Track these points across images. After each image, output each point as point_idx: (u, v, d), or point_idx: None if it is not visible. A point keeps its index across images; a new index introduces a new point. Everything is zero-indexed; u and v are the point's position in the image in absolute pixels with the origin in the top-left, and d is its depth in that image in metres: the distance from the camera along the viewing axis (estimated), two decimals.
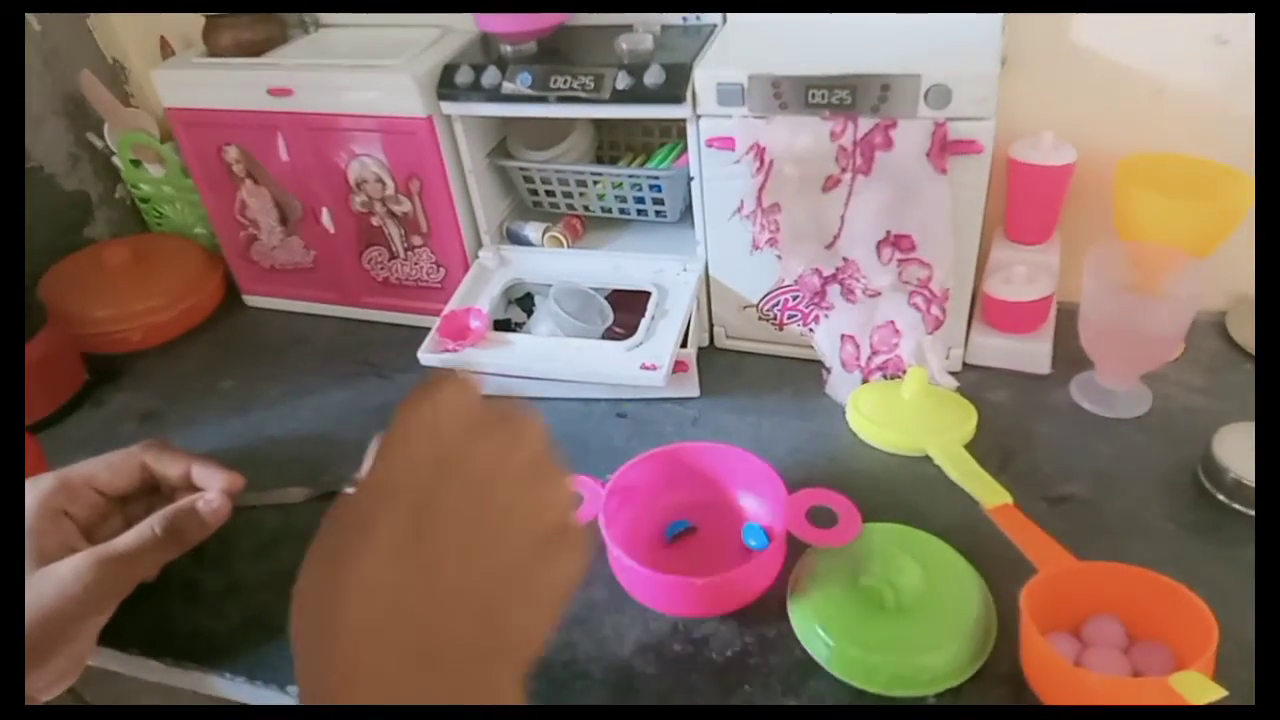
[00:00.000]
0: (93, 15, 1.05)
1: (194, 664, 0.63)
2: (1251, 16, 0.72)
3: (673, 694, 0.58)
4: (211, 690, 0.64)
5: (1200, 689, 0.47)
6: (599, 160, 0.93)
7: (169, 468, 0.61)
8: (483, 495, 0.36)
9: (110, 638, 0.65)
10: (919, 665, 0.55)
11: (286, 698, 0.61)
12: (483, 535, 0.36)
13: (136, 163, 1.04)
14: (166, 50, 1.02)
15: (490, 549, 0.36)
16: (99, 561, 0.52)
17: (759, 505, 0.67)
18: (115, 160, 1.06)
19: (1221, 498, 0.66)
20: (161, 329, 0.96)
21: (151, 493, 0.62)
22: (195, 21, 0.91)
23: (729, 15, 0.81)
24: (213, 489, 0.60)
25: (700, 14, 0.81)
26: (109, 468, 0.59)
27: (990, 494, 0.64)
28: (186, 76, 0.88)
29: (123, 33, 1.07)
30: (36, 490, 0.54)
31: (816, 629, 0.58)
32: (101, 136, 1.06)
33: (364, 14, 0.91)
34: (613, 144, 0.94)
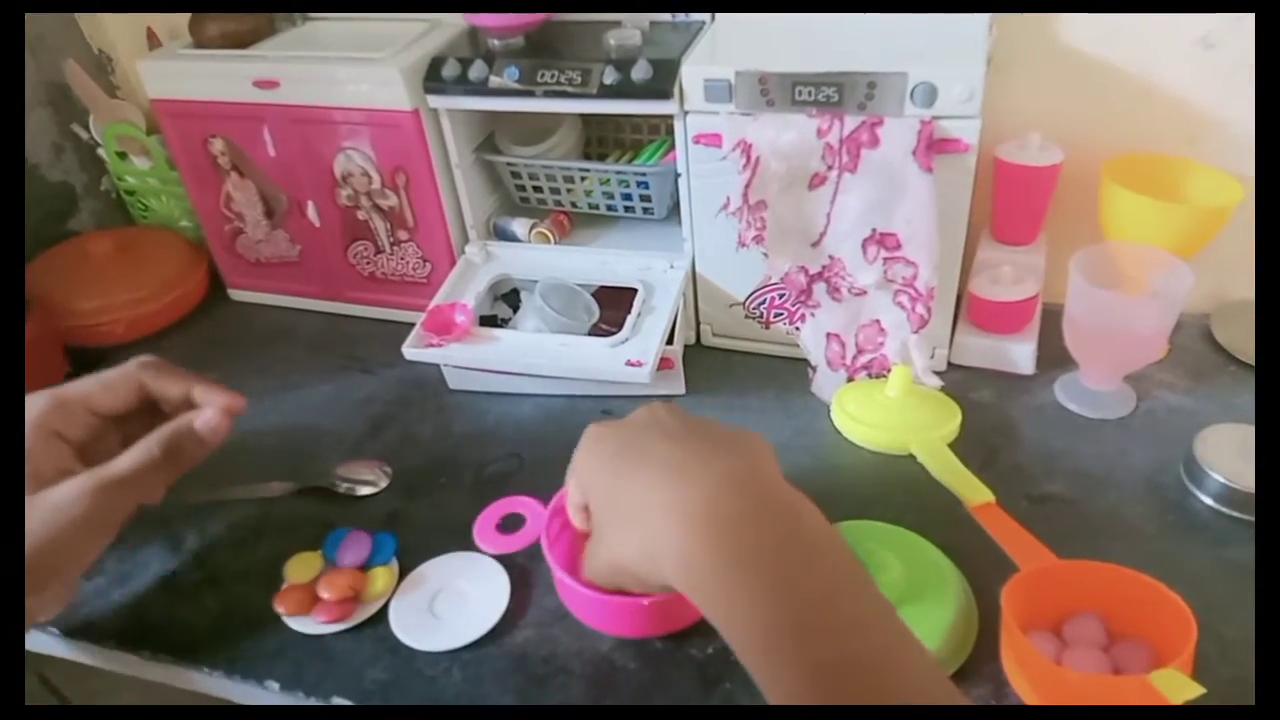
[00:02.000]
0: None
1: (171, 658, 0.63)
2: (1239, 19, 0.73)
3: (653, 690, 0.58)
4: (189, 684, 0.64)
5: (1179, 687, 0.47)
6: (586, 156, 0.93)
7: (168, 387, 0.57)
8: None
9: (86, 631, 0.65)
10: None
11: (264, 692, 0.60)
12: None
13: (122, 154, 1.04)
14: (153, 41, 1.01)
15: None
16: (98, 485, 0.49)
17: None
18: (100, 152, 1.05)
19: (1204, 499, 0.66)
20: (146, 322, 0.96)
21: (149, 412, 0.58)
22: (182, 13, 0.90)
23: (718, 13, 0.81)
24: (212, 406, 0.56)
25: (688, 12, 0.81)
26: (105, 387, 0.55)
27: (973, 492, 0.64)
28: (172, 68, 0.87)
29: (109, 23, 1.06)
30: (30, 411, 0.51)
31: None
32: (86, 128, 1.05)
33: (351, 11, 0.91)
34: (600, 140, 0.94)
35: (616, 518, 0.47)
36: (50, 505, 0.48)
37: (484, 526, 0.68)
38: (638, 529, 0.45)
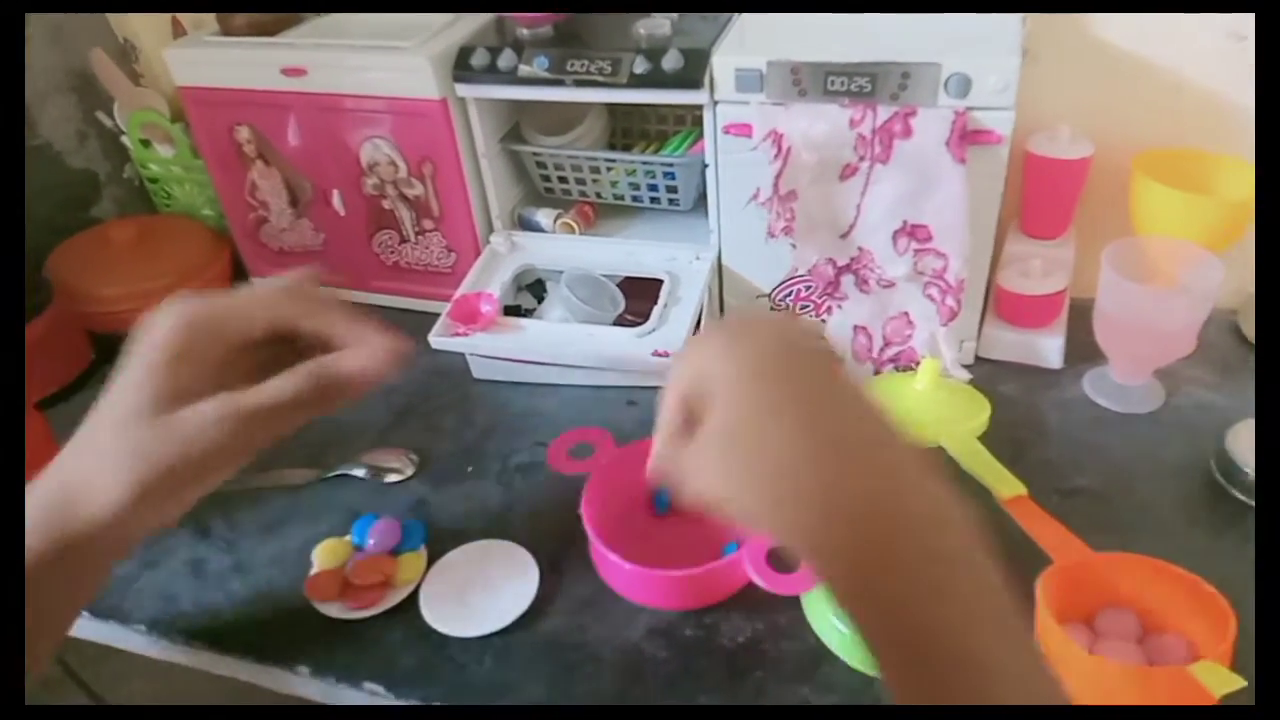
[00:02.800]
0: None
1: (201, 642, 0.63)
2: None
3: (682, 679, 0.58)
4: (218, 669, 0.64)
5: (1220, 679, 0.47)
6: (612, 147, 0.93)
7: (317, 324, 0.47)
8: None
9: (115, 614, 0.65)
10: None
11: (294, 676, 0.60)
12: None
13: (146, 142, 1.04)
14: (178, 29, 1.01)
15: None
16: (236, 413, 0.44)
17: None
18: (124, 139, 1.05)
19: (1236, 494, 0.66)
20: None
21: (281, 340, 0.49)
22: (177, 13, 0.90)
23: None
24: (372, 347, 0.47)
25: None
26: (243, 315, 0.46)
27: (1004, 485, 0.64)
28: (200, 55, 0.87)
29: (144, 11, 1.06)
30: (158, 328, 0.45)
31: (830, 616, 0.57)
32: (111, 115, 1.05)
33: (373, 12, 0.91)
34: (625, 131, 0.94)
35: (750, 454, 0.38)
36: (186, 426, 0.43)
37: (556, 452, 0.71)
38: (780, 484, 0.37)
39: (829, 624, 0.57)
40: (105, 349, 0.92)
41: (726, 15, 0.80)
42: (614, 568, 0.61)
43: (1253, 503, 0.65)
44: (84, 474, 0.43)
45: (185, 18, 1.01)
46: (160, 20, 1.02)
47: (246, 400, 0.44)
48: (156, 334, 0.44)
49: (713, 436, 0.38)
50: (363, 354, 0.47)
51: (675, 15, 0.80)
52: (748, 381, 0.38)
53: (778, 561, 0.59)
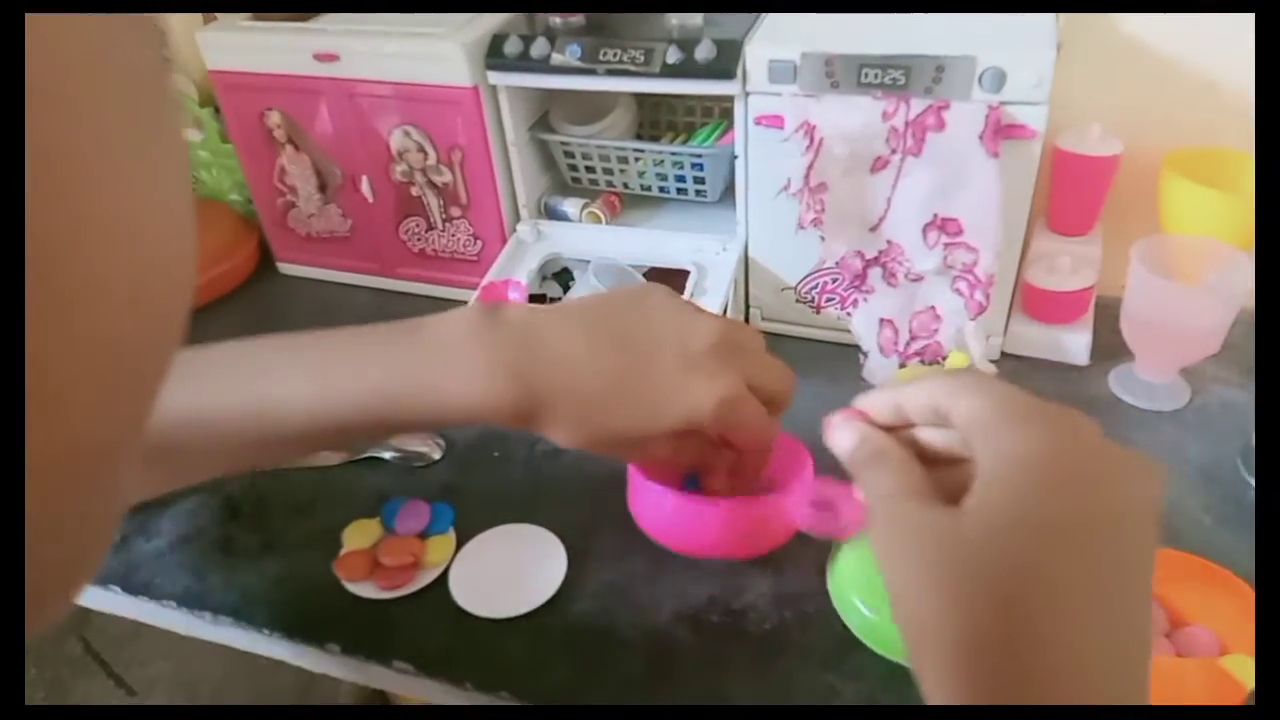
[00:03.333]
0: None
1: (231, 619, 0.63)
2: None
3: (710, 665, 0.58)
4: (248, 646, 0.65)
5: (1250, 671, 0.47)
6: (639, 137, 0.93)
7: (745, 438, 0.49)
8: None
9: (146, 589, 0.66)
10: None
11: (325, 655, 0.61)
12: None
13: None
14: (208, 15, 1.02)
15: None
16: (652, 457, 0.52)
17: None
18: None
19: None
20: (196, 294, 0.96)
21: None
22: (178, 12, 0.91)
23: None
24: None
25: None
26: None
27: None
28: (232, 39, 0.88)
29: (159, 12, 1.07)
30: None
31: (855, 601, 0.58)
32: None
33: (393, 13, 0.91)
34: (654, 123, 0.94)
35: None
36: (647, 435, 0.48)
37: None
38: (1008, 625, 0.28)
39: (857, 612, 0.58)
40: None
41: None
42: (658, 505, 0.59)
43: None
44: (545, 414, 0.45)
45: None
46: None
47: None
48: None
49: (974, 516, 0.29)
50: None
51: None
52: (1005, 428, 0.30)
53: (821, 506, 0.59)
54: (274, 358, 0.48)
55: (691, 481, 0.67)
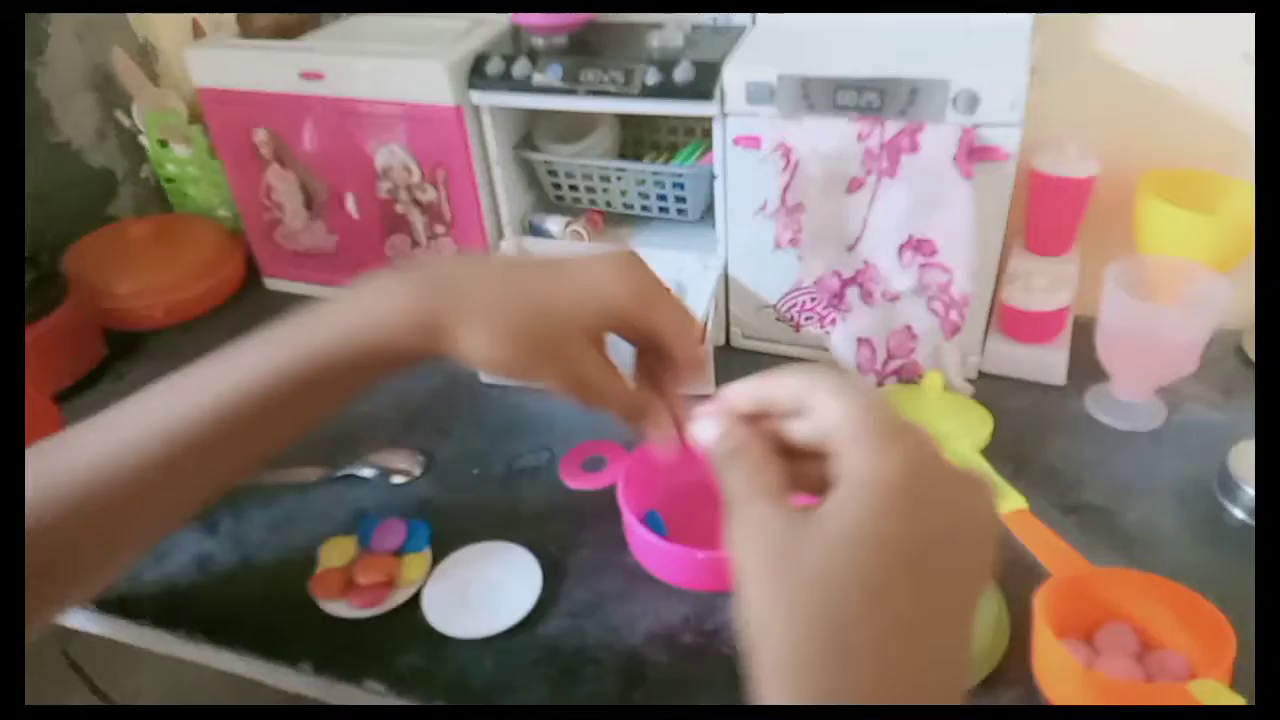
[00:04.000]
0: None
1: (205, 636, 0.64)
2: None
3: (682, 684, 0.58)
4: (222, 664, 0.65)
5: (1220, 698, 0.47)
6: (622, 156, 0.94)
7: (653, 326, 0.44)
8: None
9: (121, 607, 0.66)
10: None
11: (297, 674, 0.61)
12: None
13: (163, 142, 1.05)
14: (198, 30, 1.03)
15: None
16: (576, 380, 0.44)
17: None
18: (142, 139, 1.07)
19: (1237, 513, 0.66)
20: (182, 307, 0.97)
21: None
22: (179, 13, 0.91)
23: (758, 16, 0.81)
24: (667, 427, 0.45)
25: (730, 15, 0.82)
26: (578, 309, 0.43)
27: (1006, 499, 0.64)
28: (220, 56, 0.89)
29: (154, 13, 1.08)
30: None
31: None
32: (129, 114, 1.06)
33: (392, 12, 0.92)
34: (636, 141, 0.95)
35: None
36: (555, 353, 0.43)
37: (569, 465, 0.69)
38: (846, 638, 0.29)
39: None
40: (118, 345, 0.93)
41: (738, 29, 0.81)
42: (653, 548, 0.63)
43: (1253, 522, 0.65)
44: (450, 317, 0.42)
45: (205, 19, 1.02)
46: (180, 21, 1.04)
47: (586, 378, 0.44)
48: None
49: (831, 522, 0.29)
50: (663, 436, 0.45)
51: (688, 27, 0.81)
52: (906, 491, 0.29)
53: None
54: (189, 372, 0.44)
55: (654, 519, 0.67)
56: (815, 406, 0.32)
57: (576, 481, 0.70)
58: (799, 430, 0.33)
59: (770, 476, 0.32)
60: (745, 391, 0.35)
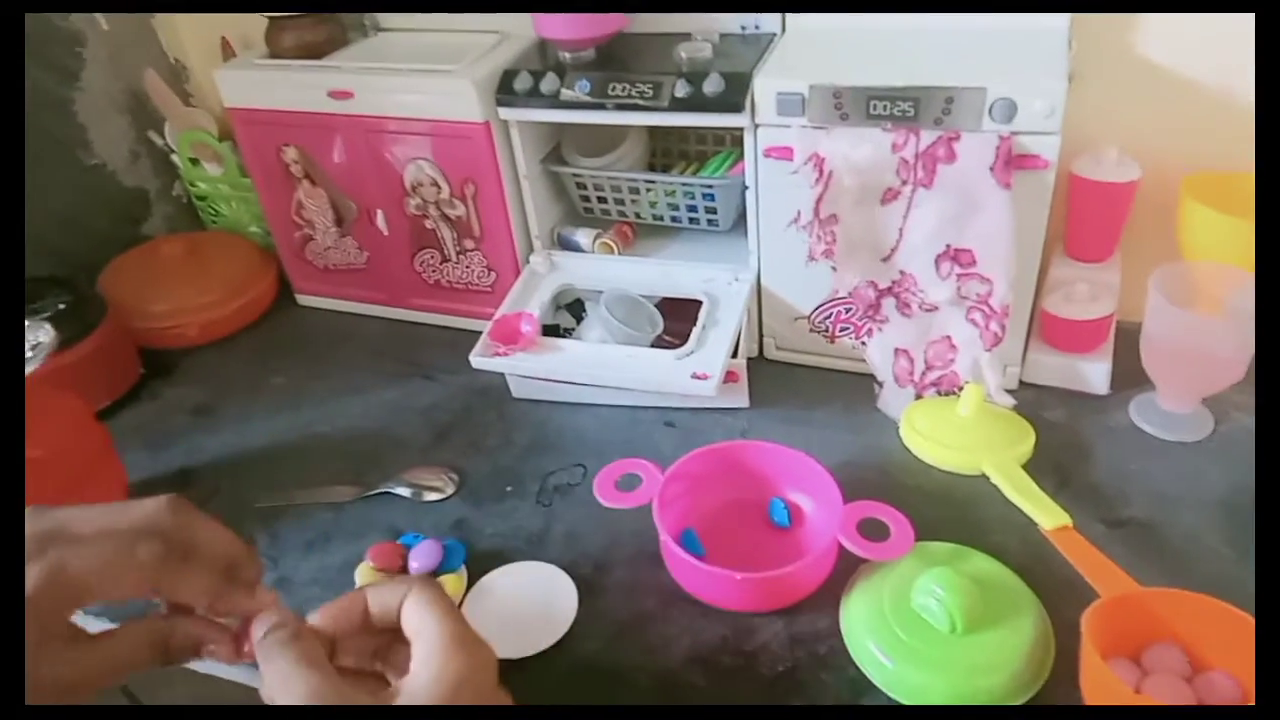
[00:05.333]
0: (157, 15, 1.07)
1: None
2: None
3: (721, 707, 0.57)
4: (258, 684, 0.65)
5: None
6: (651, 168, 0.93)
7: (186, 594, 0.44)
8: None
9: None
10: (976, 687, 0.54)
11: None
12: None
13: (195, 161, 1.06)
14: (227, 51, 1.04)
15: None
16: (72, 681, 0.42)
17: (813, 510, 0.68)
18: (174, 158, 1.08)
19: None
20: (216, 325, 0.98)
21: None
22: (256, 22, 0.92)
23: (788, 24, 0.80)
24: (225, 643, 0.45)
25: (759, 23, 0.81)
26: (113, 581, 0.43)
27: (1049, 515, 0.63)
28: (248, 77, 0.89)
29: (184, 33, 1.09)
30: (28, 583, 0.42)
31: (870, 647, 0.57)
32: (161, 134, 1.08)
33: (423, 16, 0.92)
34: (665, 152, 0.94)
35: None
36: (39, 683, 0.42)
37: (603, 483, 0.68)
38: None
39: (871, 656, 0.57)
40: (154, 364, 0.94)
41: (767, 38, 0.80)
42: (694, 570, 0.62)
43: None
44: None
45: (234, 39, 1.03)
46: (210, 42, 1.05)
47: (83, 668, 0.43)
48: (28, 590, 0.41)
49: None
50: (218, 650, 0.45)
51: (716, 38, 0.80)
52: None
53: (868, 530, 0.61)
54: None
55: (690, 539, 0.67)
56: (406, 618, 0.41)
57: (611, 500, 0.69)
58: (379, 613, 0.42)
59: (317, 651, 0.40)
60: (336, 610, 0.43)
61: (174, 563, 0.44)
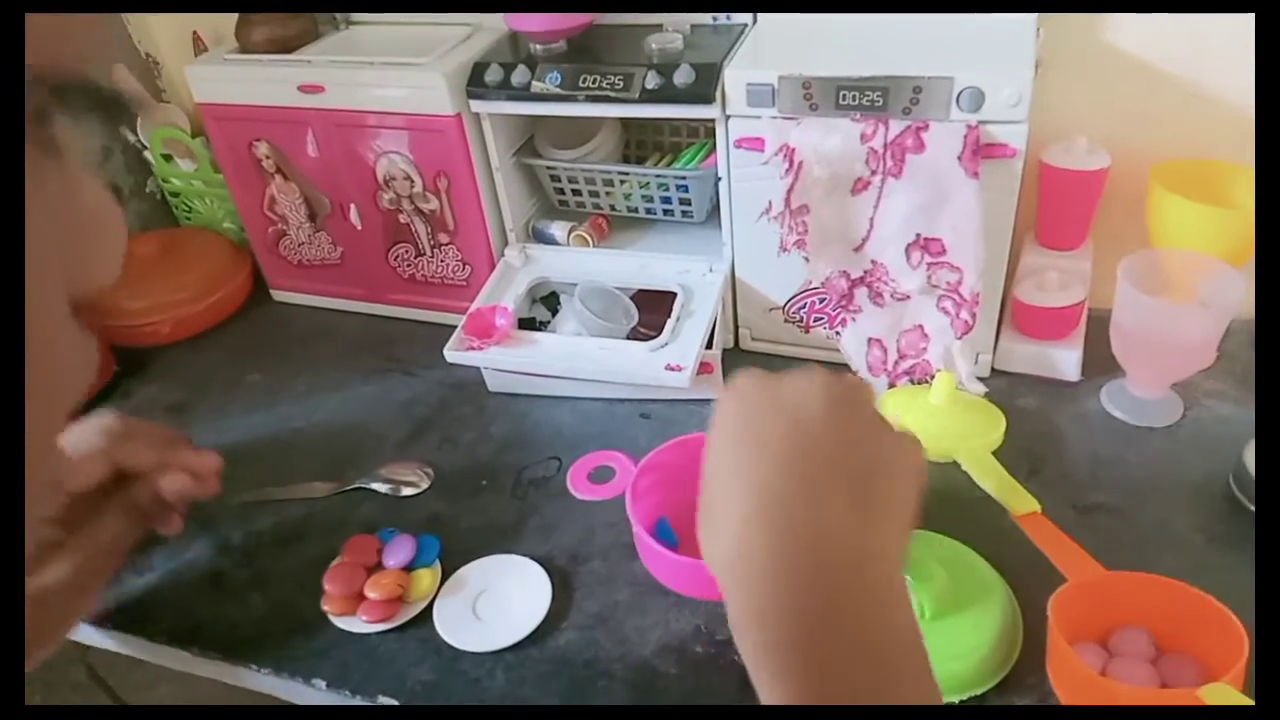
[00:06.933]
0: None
1: (219, 654, 0.64)
2: None
3: (694, 695, 0.58)
4: (236, 680, 0.65)
5: (1230, 701, 0.46)
6: (626, 159, 0.93)
7: (137, 456, 0.57)
8: None
9: (137, 626, 0.66)
10: (945, 672, 0.54)
11: (311, 690, 0.61)
12: None
13: (168, 157, 1.06)
14: (198, 46, 1.03)
15: None
16: (74, 569, 0.51)
17: None
18: (147, 155, 1.07)
19: (1253, 509, 0.65)
20: (190, 322, 0.97)
21: (123, 477, 0.58)
22: (227, 18, 0.91)
23: (759, 15, 0.80)
24: (180, 474, 0.57)
25: (730, 14, 0.81)
26: (74, 469, 0.54)
27: (1019, 502, 0.63)
28: (219, 72, 0.89)
29: (156, 28, 1.08)
30: None
31: None
32: (134, 131, 1.07)
33: (394, 12, 0.92)
34: (639, 144, 0.94)
35: (706, 501, 0.40)
36: (35, 592, 0.50)
37: (576, 475, 0.68)
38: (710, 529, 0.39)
39: None
40: (128, 362, 0.94)
41: (739, 28, 0.80)
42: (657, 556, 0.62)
43: None
44: None
45: (205, 33, 1.03)
46: (181, 37, 1.04)
47: (81, 552, 0.52)
48: None
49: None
50: (173, 479, 0.57)
51: (687, 29, 0.80)
52: (715, 441, 0.40)
53: None
54: None
55: (664, 529, 0.67)
56: None
57: (585, 492, 0.69)
58: None
59: None
60: None
61: (122, 440, 0.56)
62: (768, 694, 0.34)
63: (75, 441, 0.55)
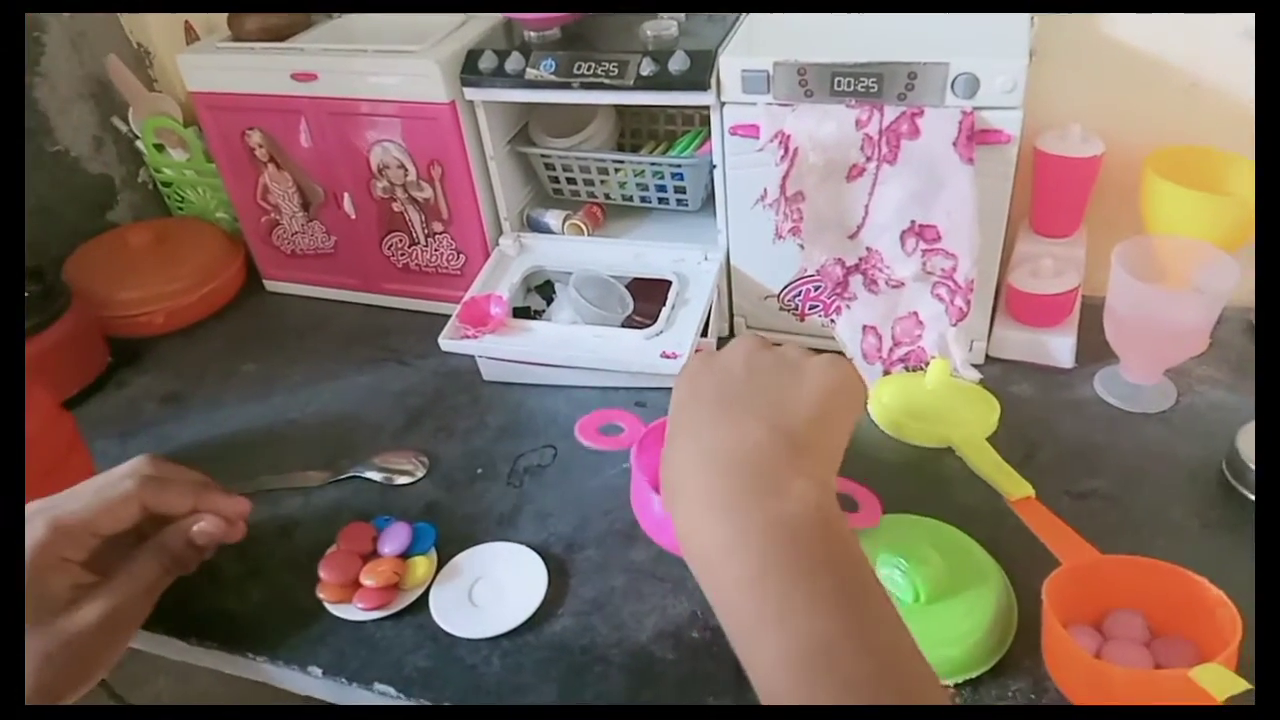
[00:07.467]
0: None
1: (217, 644, 0.64)
2: None
3: (690, 680, 0.58)
4: (234, 670, 0.65)
5: (1222, 682, 0.46)
6: (620, 148, 0.93)
7: (171, 503, 0.57)
8: None
9: None
10: (939, 656, 0.55)
11: (308, 678, 0.61)
12: None
13: (160, 147, 1.05)
14: (190, 35, 1.02)
15: None
16: (108, 612, 0.51)
17: None
18: (139, 144, 1.07)
19: (1247, 494, 0.65)
20: (184, 312, 0.97)
21: (157, 521, 0.58)
22: (173, 12, 0.91)
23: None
24: (210, 517, 0.58)
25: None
26: (107, 510, 0.54)
27: (1013, 486, 0.63)
28: (211, 61, 0.88)
29: (149, 18, 1.08)
30: (31, 539, 0.50)
31: None
32: (126, 120, 1.06)
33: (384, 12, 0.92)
34: (634, 131, 0.94)
35: (666, 461, 0.45)
36: (68, 635, 0.50)
37: (586, 427, 0.67)
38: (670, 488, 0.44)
39: None
40: (122, 352, 0.93)
41: (734, 16, 0.80)
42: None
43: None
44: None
45: (197, 22, 1.02)
46: (173, 26, 1.03)
47: (114, 596, 0.52)
48: (32, 544, 0.50)
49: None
50: (203, 522, 0.57)
51: (682, 16, 0.80)
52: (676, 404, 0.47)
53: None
54: None
55: None
56: None
57: (593, 441, 0.67)
58: None
59: None
60: None
61: (155, 485, 0.56)
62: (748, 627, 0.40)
63: (109, 485, 0.55)
